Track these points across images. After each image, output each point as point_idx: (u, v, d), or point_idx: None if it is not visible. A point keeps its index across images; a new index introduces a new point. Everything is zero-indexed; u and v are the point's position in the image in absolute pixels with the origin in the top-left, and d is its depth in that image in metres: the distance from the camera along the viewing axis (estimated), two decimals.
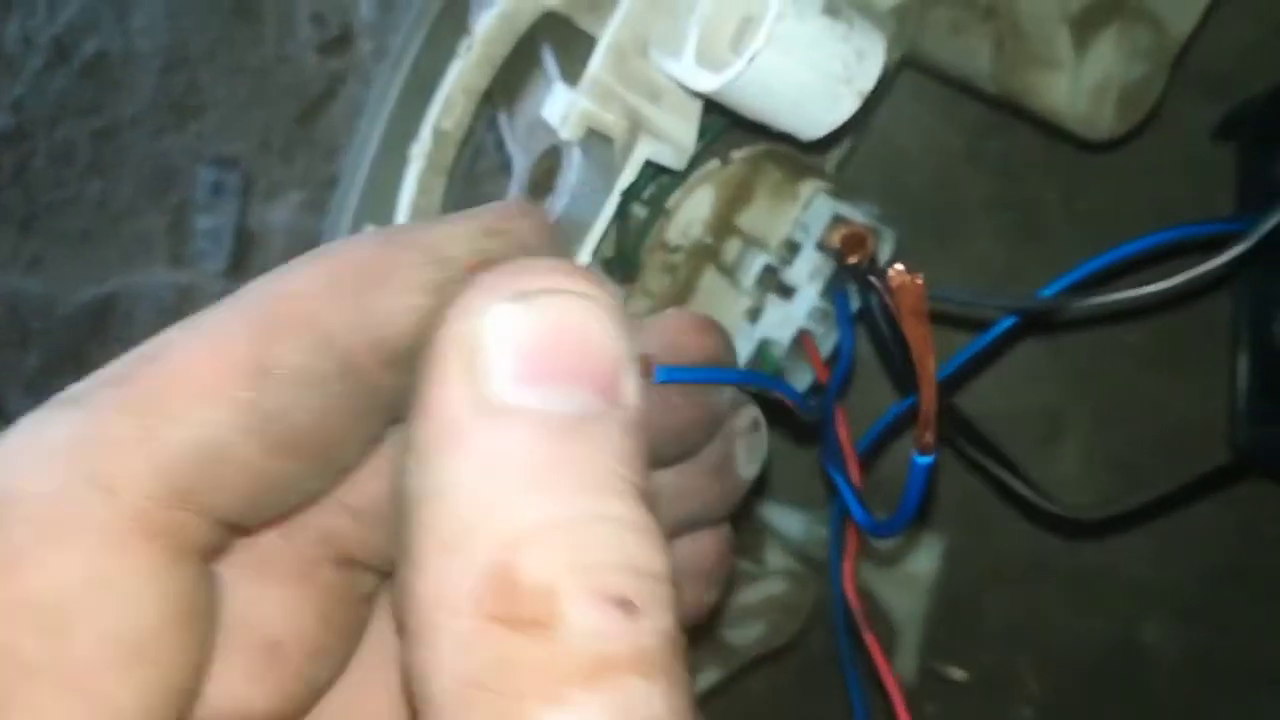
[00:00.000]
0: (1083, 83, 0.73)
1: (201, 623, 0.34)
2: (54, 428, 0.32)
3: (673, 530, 0.46)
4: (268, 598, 0.38)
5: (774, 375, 0.47)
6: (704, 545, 0.47)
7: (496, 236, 0.36)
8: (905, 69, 0.84)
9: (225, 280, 0.98)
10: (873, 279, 0.38)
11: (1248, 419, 0.83)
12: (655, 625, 0.29)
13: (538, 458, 0.29)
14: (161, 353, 0.33)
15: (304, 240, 0.94)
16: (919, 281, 0.37)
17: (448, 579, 0.29)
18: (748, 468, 0.47)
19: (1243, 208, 0.83)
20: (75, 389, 0.33)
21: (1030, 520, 0.91)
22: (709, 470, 0.46)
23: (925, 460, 0.46)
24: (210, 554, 0.35)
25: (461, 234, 0.35)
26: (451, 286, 0.33)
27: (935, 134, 0.92)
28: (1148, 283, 0.57)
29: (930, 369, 0.40)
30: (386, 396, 0.35)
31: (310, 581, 0.39)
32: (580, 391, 0.30)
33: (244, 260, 0.99)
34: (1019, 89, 0.76)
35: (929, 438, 0.45)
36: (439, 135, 0.71)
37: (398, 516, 0.31)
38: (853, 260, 0.52)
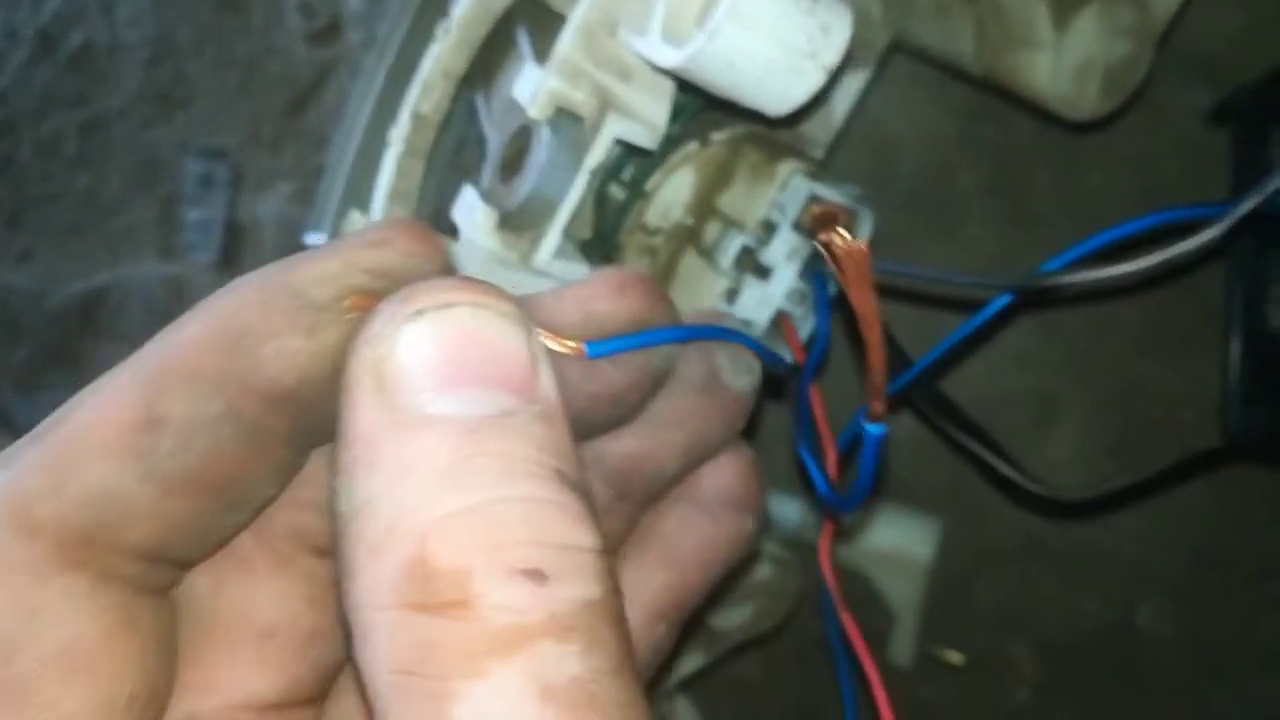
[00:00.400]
0: (1065, 62, 0.73)
1: (140, 637, 0.37)
2: None
3: (686, 460, 0.46)
4: (254, 591, 0.40)
5: (719, 327, 0.46)
6: (725, 472, 0.48)
7: (369, 266, 0.37)
8: (896, 54, 0.84)
9: (216, 273, 0.98)
10: (819, 247, 0.38)
11: (1239, 402, 0.83)
12: (570, 592, 0.30)
13: (451, 457, 0.31)
14: (68, 412, 0.36)
15: (294, 231, 0.94)
16: (863, 248, 0.37)
17: (375, 578, 0.31)
18: (738, 379, 0.46)
19: (1238, 193, 0.83)
20: (7, 450, 0.37)
21: (1019, 502, 0.91)
22: (698, 389, 0.45)
23: (877, 430, 0.46)
24: (146, 581, 0.37)
25: (331, 273, 0.36)
26: (325, 327, 0.36)
27: (927, 119, 0.92)
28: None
29: (877, 338, 0.40)
30: (282, 434, 0.37)
31: (291, 572, 0.41)
32: (491, 393, 0.33)
33: (235, 252, 0.98)
34: (1002, 70, 0.76)
35: (879, 407, 0.44)
36: (417, 119, 0.71)
37: (334, 537, 0.33)
38: (824, 238, 0.52)
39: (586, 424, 0.41)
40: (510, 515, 0.31)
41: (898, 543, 0.96)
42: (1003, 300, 0.58)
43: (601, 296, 0.42)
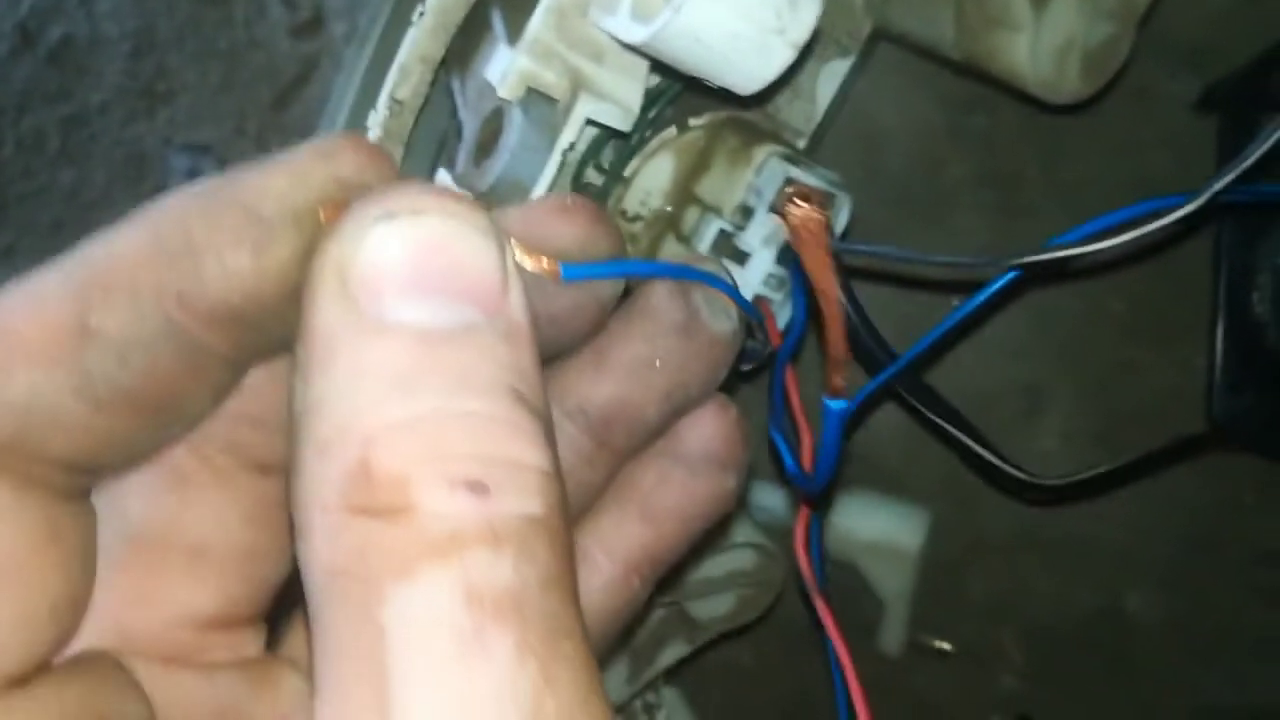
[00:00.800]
0: (1044, 44, 0.73)
1: (63, 545, 0.36)
2: None
3: (667, 406, 0.46)
4: (188, 508, 0.40)
5: (698, 269, 0.45)
6: (707, 427, 0.47)
7: (320, 180, 0.36)
8: (883, 44, 0.83)
9: None
10: (777, 216, 0.38)
11: (1223, 389, 0.83)
12: (510, 505, 0.30)
13: (407, 365, 0.31)
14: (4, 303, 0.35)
15: None
16: (819, 217, 0.37)
17: (319, 478, 0.31)
18: (716, 321, 0.46)
19: None
20: None
21: (1003, 490, 0.91)
22: (677, 331, 0.45)
23: (838, 406, 0.45)
24: (68, 489, 0.37)
25: (280, 189, 0.36)
26: (272, 244, 0.35)
27: (916, 110, 0.92)
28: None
29: (835, 310, 0.40)
30: (222, 352, 0.36)
31: (228, 488, 0.41)
32: (455, 305, 0.32)
33: None
34: (982, 53, 0.75)
35: (839, 381, 0.44)
36: (395, 105, 0.71)
37: (289, 435, 0.32)
38: (783, 209, 0.51)
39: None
40: (458, 427, 0.31)
41: (887, 533, 0.96)
42: (1000, 281, 0.58)
43: (546, 219, 0.41)
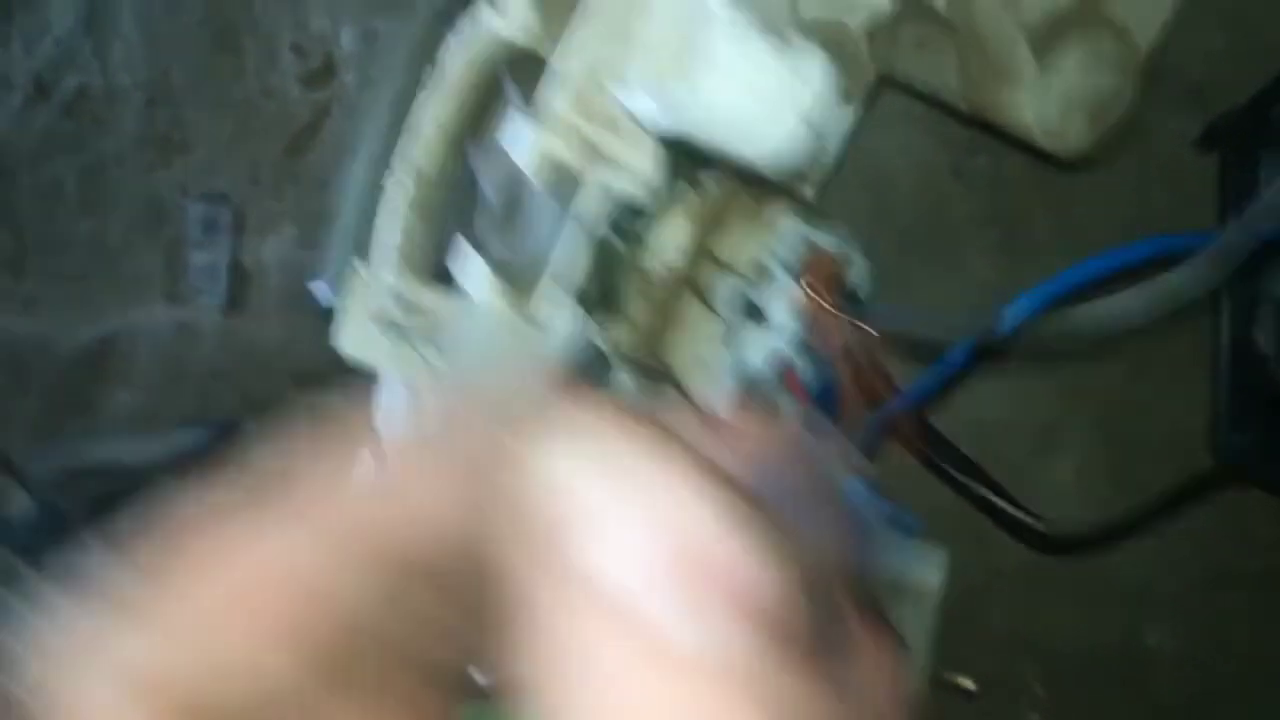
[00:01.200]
0: (1049, 95, 0.73)
1: None
2: (118, 643, 0.29)
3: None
4: None
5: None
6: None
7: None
8: (888, 89, 0.84)
9: (224, 317, 0.98)
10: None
11: (1227, 423, 0.83)
12: None
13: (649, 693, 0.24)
14: (219, 556, 0.30)
15: (299, 274, 0.94)
16: (831, 313, 0.37)
17: None
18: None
19: (1224, 218, 0.84)
20: (126, 588, 0.30)
21: (1017, 538, 0.91)
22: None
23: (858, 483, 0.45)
24: None
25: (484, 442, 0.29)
26: (483, 503, 0.28)
27: (921, 153, 0.92)
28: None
29: (848, 405, 0.40)
30: (429, 613, 0.31)
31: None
32: (703, 608, 0.25)
33: (241, 296, 0.98)
34: (987, 104, 0.76)
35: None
36: (418, 175, 0.71)
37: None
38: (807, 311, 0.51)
39: None
40: None
41: (907, 571, 0.96)
42: (959, 359, 0.58)
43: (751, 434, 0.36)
